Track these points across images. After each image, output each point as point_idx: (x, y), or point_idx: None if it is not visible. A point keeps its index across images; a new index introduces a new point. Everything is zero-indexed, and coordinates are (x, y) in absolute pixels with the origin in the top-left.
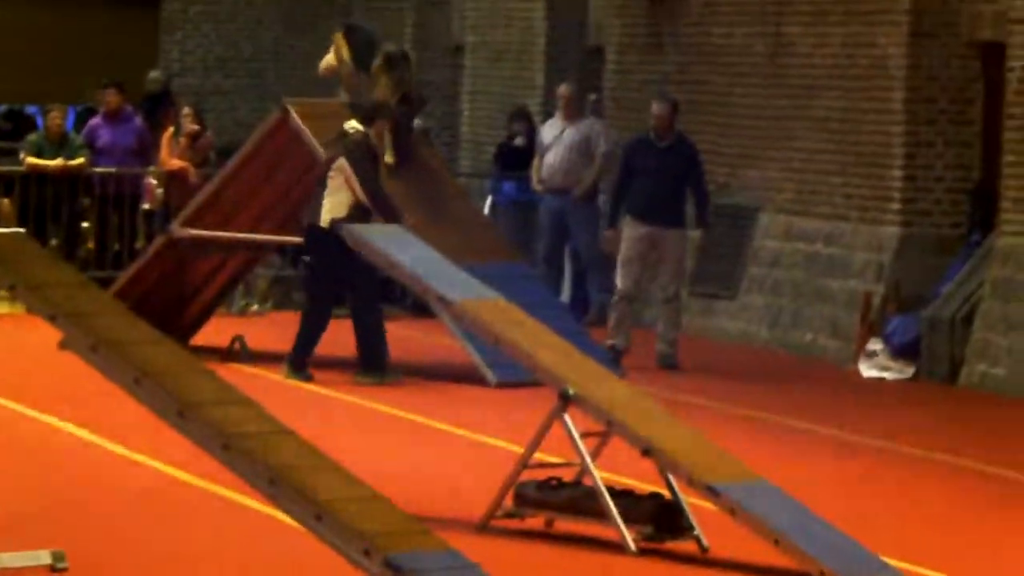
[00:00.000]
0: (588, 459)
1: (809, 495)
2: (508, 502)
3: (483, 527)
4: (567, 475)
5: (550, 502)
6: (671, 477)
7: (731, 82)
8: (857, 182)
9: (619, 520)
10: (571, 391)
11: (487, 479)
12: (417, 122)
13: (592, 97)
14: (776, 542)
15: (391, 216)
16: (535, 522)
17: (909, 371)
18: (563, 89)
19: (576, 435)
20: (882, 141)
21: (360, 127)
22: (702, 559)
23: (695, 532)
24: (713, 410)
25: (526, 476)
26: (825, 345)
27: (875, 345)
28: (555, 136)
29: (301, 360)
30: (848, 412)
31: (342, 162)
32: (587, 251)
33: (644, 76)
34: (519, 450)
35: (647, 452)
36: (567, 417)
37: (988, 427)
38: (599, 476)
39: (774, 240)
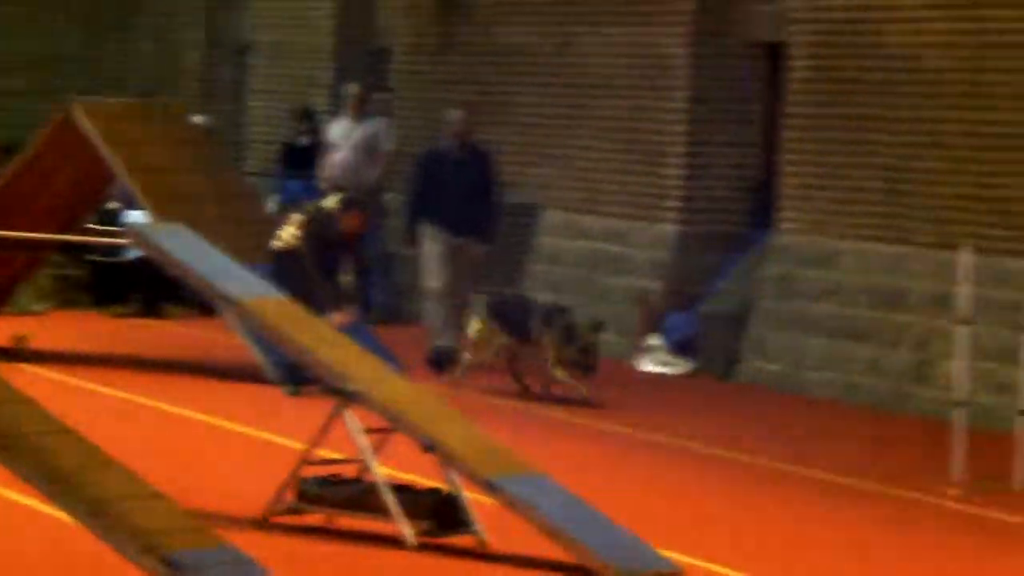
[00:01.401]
0: (369, 455)
1: (588, 490)
2: (289, 498)
3: (264, 523)
4: (349, 471)
5: (331, 498)
6: (451, 473)
7: (516, 82)
8: (639, 181)
9: (399, 515)
10: (352, 388)
11: (269, 476)
12: (200, 119)
13: (380, 96)
14: (555, 536)
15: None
16: (316, 518)
17: (687, 366)
18: (351, 88)
19: (358, 432)
20: (664, 140)
21: (333, 206)
22: (481, 553)
23: (474, 527)
24: (494, 406)
25: (308, 472)
26: (606, 340)
27: (654, 341)
28: (342, 135)
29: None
30: (628, 407)
31: (299, 219)
32: (371, 250)
33: (432, 77)
34: (302, 447)
35: (428, 448)
36: (349, 414)
37: (763, 422)
38: (380, 472)
39: (557, 237)
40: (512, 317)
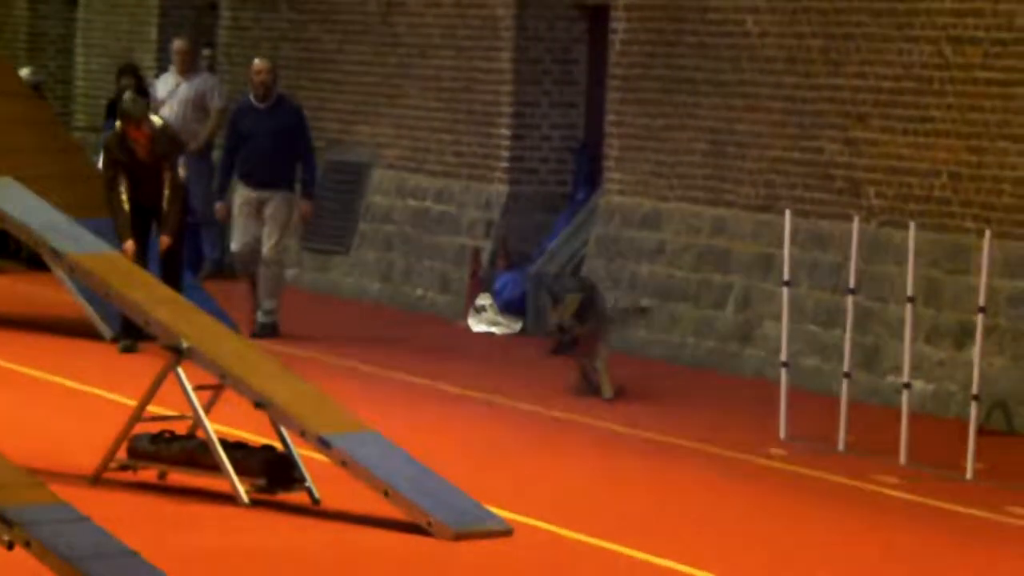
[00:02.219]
0: (201, 412)
1: (421, 448)
2: (122, 455)
3: (96, 480)
4: (181, 428)
5: (163, 454)
6: (283, 429)
7: (343, 39)
8: (467, 140)
9: (232, 472)
10: (184, 345)
11: (101, 433)
12: (27, 73)
13: (206, 52)
14: (386, 493)
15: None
16: (148, 474)
17: (516, 326)
18: (177, 44)
19: (189, 388)
20: (491, 100)
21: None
22: (314, 510)
23: (307, 484)
24: (326, 364)
25: (140, 429)
26: (435, 300)
27: (484, 300)
28: (169, 91)
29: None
30: (456, 366)
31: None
32: (201, 206)
33: (258, 33)
34: (134, 403)
35: (260, 405)
36: (180, 371)
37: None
38: (212, 429)
39: (386, 196)
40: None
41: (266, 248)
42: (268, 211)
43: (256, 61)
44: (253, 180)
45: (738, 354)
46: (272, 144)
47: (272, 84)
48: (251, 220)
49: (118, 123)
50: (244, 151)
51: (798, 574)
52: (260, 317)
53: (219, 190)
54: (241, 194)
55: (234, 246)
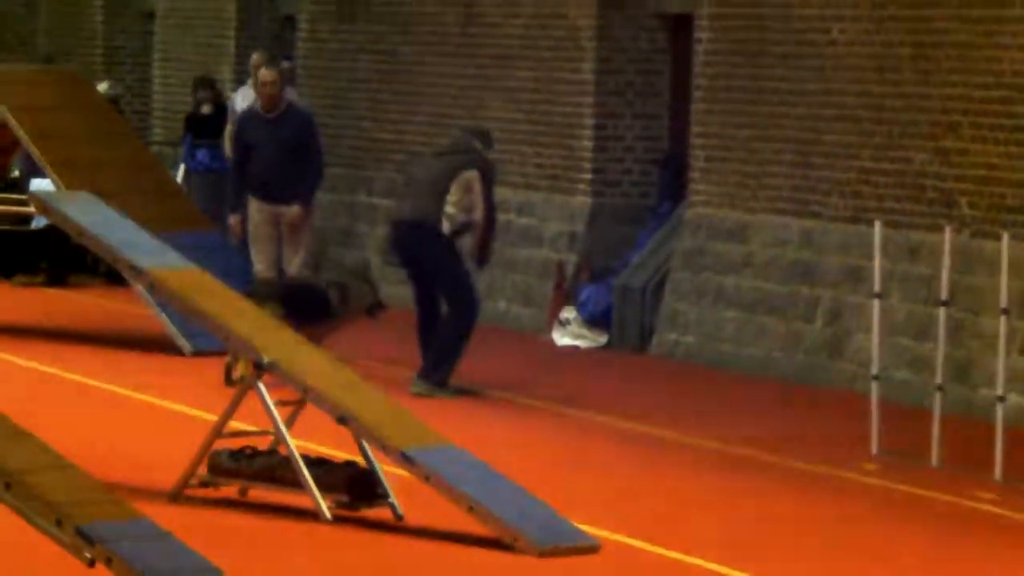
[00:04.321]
0: (283, 427)
1: (505, 463)
2: (202, 471)
3: (176, 496)
4: (262, 444)
5: (244, 470)
6: (365, 445)
7: (423, 50)
8: (548, 152)
9: (314, 488)
10: (266, 360)
11: (182, 448)
12: (105, 87)
13: (285, 65)
14: (470, 508)
15: (491, 238)
16: (229, 491)
17: (602, 339)
18: (255, 58)
19: (270, 403)
20: (572, 112)
21: (481, 148)
22: (397, 526)
23: (390, 499)
24: (408, 380)
25: (221, 445)
26: (519, 314)
27: (568, 314)
28: (249, 104)
29: (444, 376)
30: (543, 380)
31: (473, 175)
32: None
33: (337, 45)
34: (215, 419)
35: (342, 420)
36: (261, 385)
37: (677, 396)
38: (294, 444)
39: None
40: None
41: (292, 268)
42: (283, 228)
43: (262, 71)
44: (265, 194)
45: (828, 367)
46: (279, 155)
47: (279, 94)
48: (269, 240)
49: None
50: (253, 164)
51: None
52: None
53: (233, 204)
54: (256, 209)
55: (258, 267)
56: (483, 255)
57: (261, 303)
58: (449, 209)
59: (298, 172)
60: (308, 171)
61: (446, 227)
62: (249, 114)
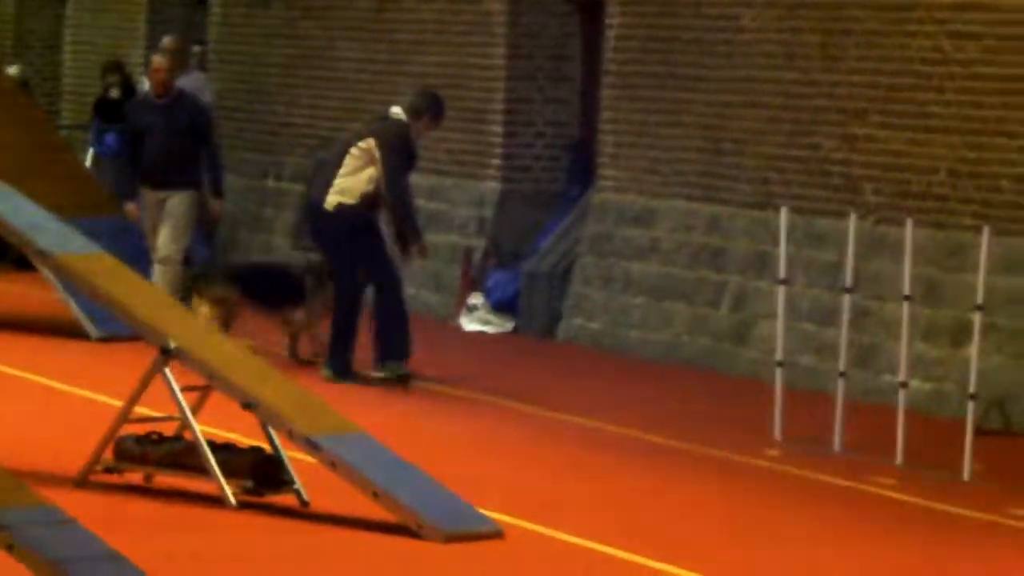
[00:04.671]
0: (188, 413)
1: (410, 449)
2: (108, 456)
3: (81, 482)
4: (168, 429)
5: (150, 456)
6: (272, 431)
7: (335, 36)
8: (458, 138)
9: (219, 474)
10: (172, 345)
11: (87, 434)
12: (15, 71)
13: (196, 50)
14: (375, 494)
15: (409, 224)
16: (135, 477)
17: (509, 325)
18: (167, 42)
19: (176, 389)
20: (483, 97)
21: (403, 116)
22: (302, 512)
23: (295, 485)
24: (315, 365)
25: (127, 431)
26: (428, 299)
27: (476, 299)
28: None
29: (343, 363)
30: (449, 366)
31: (371, 143)
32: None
33: (249, 29)
34: (121, 404)
35: (248, 406)
36: (168, 371)
37: (582, 380)
38: (200, 430)
39: None
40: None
41: (164, 248)
42: (166, 210)
43: (154, 57)
44: (152, 180)
45: (733, 353)
46: (170, 141)
47: (170, 80)
48: (157, 221)
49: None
50: (144, 150)
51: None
52: None
53: (125, 191)
54: (145, 196)
55: (154, 247)
56: (401, 243)
57: (211, 283)
58: (341, 182)
59: (185, 159)
60: (209, 161)
61: (331, 203)
62: (140, 99)
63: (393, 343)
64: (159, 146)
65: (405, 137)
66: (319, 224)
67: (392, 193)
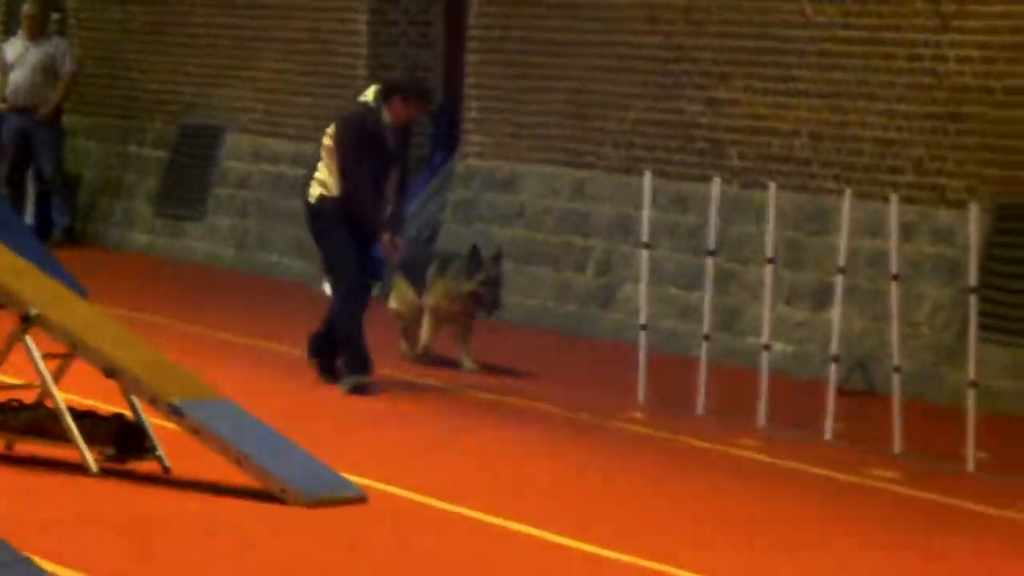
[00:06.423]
0: (50, 380)
1: (273, 415)
2: None
3: None
4: (28, 397)
5: (11, 424)
6: (134, 398)
7: (196, 1)
8: (323, 104)
9: (80, 441)
10: (33, 312)
11: None
12: None
13: (55, 16)
14: (239, 461)
15: (365, 215)
16: None
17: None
18: (26, 8)
19: (37, 356)
20: (347, 63)
21: (371, 97)
22: (164, 479)
23: (158, 452)
24: (179, 331)
25: None
26: (290, 265)
27: None
28: (18, 55)
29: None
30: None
31: (331, 129)
32: (51, 172)
33: None
34: None
35: (110, 373)
36: (28, 338)
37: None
38: (61, 397)
39: (241, 161)
40: (415, 271)
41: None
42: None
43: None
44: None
45: (598, 317)
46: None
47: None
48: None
49: (372, 98)
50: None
51: (655, 538)
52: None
53: None
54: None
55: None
56: (373, 235)
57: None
58: (319, 174)
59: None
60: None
61: (313, 195)
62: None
63: (345, 357)
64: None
65: (359, 123)
66: (307, 217)
67: (346, 182)
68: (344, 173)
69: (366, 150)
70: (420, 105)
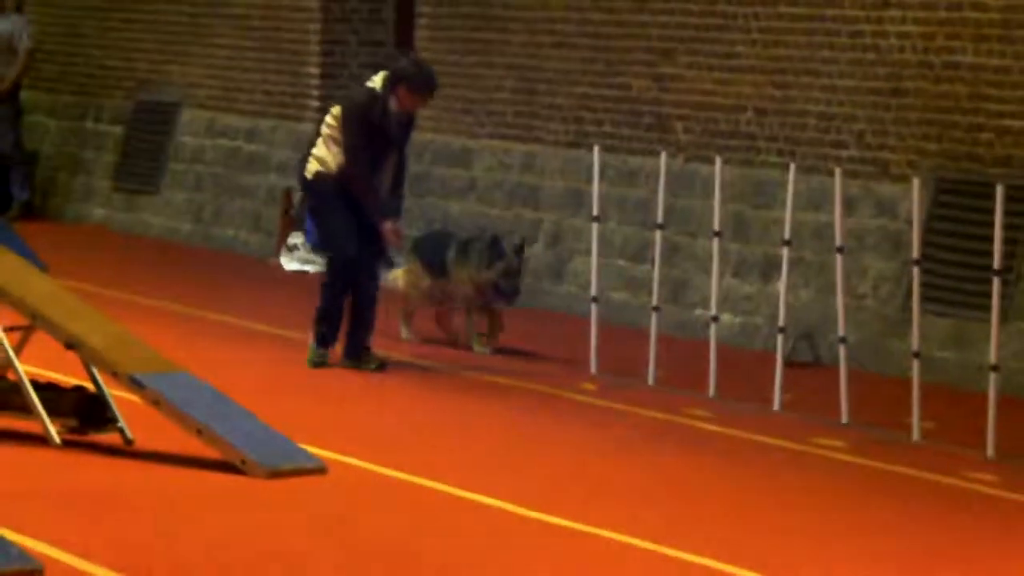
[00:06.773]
0: (11, 353)
1: (233, 387)
2: None
3: None
4: None
5: None
6: (95, 370)
7: None
8: (276, 79)
9: (43, 413)
10: None
11: None
12: None
13: None
14: (199, 432)
15: (365, 201)
16: None
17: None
18: None
19: None
20: (299, 39)
21: (379, 84)
22: (127, 451)
23: (119, 424)
24: (137, 304)
25: None
26: (247, 240)
27: (296, 239)
28: None
29: (355, 348)
30: (269, 305)
31: (336, 110)
32: (9, 147)
33: None
34: None
35: (71, 346)
36: None
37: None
38: (23, 370)
39: (195, 136)
40: (432, 254)
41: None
42: None
43: None
44: None
45: (550, 291)
46: None
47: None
48: None
49: (379, 85)
50: None
51: (610, 509)
52: None
53: None
54: None
55: None
56: (374, 218)
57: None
58: (317, 150)
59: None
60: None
61: (311, 171)
62: None
63: (320, 331)
64: None
65: (365, 109)
66: (304, 193)
67: (348, 168)
68: (346, 158)
69: (370, 137)
70: (425, 97)
